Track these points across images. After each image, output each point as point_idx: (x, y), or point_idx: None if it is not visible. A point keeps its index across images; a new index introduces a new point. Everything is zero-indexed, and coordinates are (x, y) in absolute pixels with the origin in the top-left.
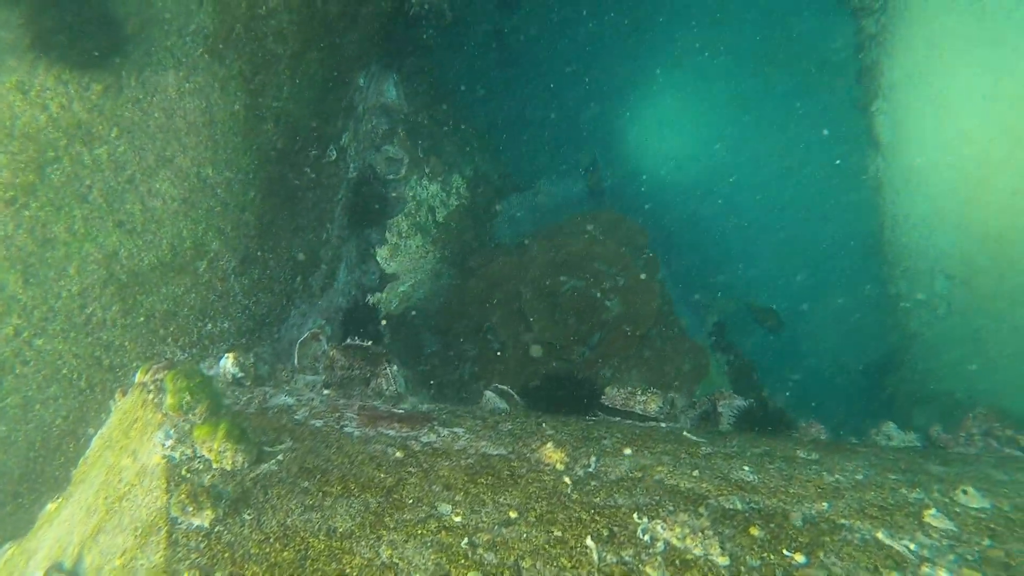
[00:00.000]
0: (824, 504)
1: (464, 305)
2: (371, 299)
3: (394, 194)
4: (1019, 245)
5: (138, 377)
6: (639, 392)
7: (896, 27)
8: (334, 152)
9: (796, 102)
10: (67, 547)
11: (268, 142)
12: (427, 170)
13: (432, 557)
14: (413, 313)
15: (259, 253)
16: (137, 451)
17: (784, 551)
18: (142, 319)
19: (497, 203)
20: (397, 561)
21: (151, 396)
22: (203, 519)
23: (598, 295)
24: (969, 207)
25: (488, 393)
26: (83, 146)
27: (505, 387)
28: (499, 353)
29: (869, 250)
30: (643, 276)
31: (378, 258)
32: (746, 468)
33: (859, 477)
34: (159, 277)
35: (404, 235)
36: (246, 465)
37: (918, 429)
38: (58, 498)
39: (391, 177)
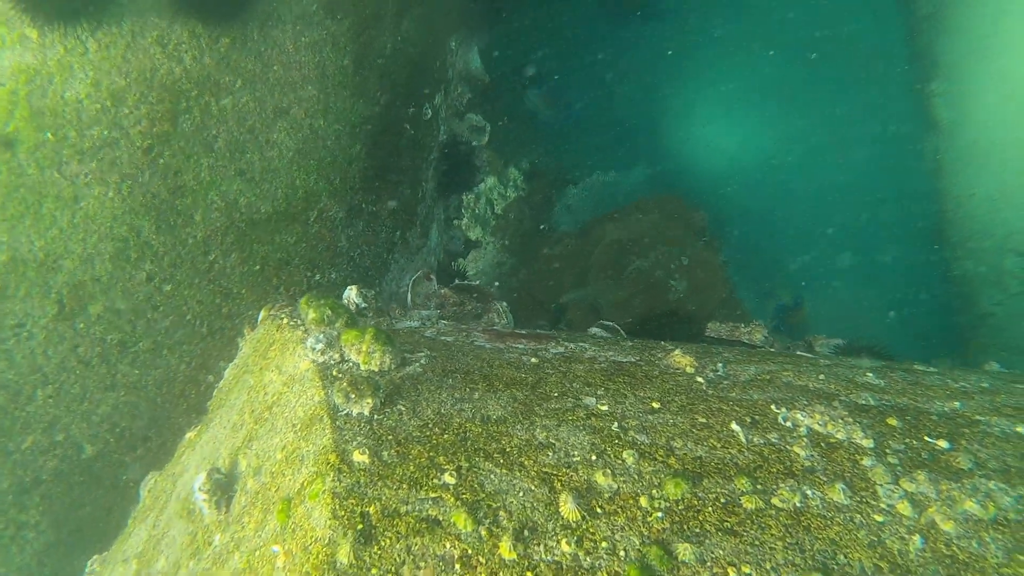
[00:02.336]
0: (956, 403)
1: (530, 289)
2: (456, 263)
3: (477, 162)
4: None
5: (263, 315)
6: (743, 324)
7: (954, 5)
8: (429, 111)
9: (848, 89)
10: (217, 460)
11: (373, 97)
12: (488, 165)
13: (586, 438)
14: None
15: (363, 205)
16: (281, 365)
17: (926, 437)
18: (258, 267)
19: (554, 194)
20: (554, 441)
21: (285, 321)
22: (364, 407)
23: (663, 275)
24: None
25: (594, 329)
26: (211, 96)
27: (611, 323)
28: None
29: (931, 231)
30: (708, 254)
31: (461, 226)
32: (870, 375)
33: (985, 385)
34: (273, 226)
35: (465, 228)
36: (393, 367)
37: None
38: (197, 427)
39: (475, 144)
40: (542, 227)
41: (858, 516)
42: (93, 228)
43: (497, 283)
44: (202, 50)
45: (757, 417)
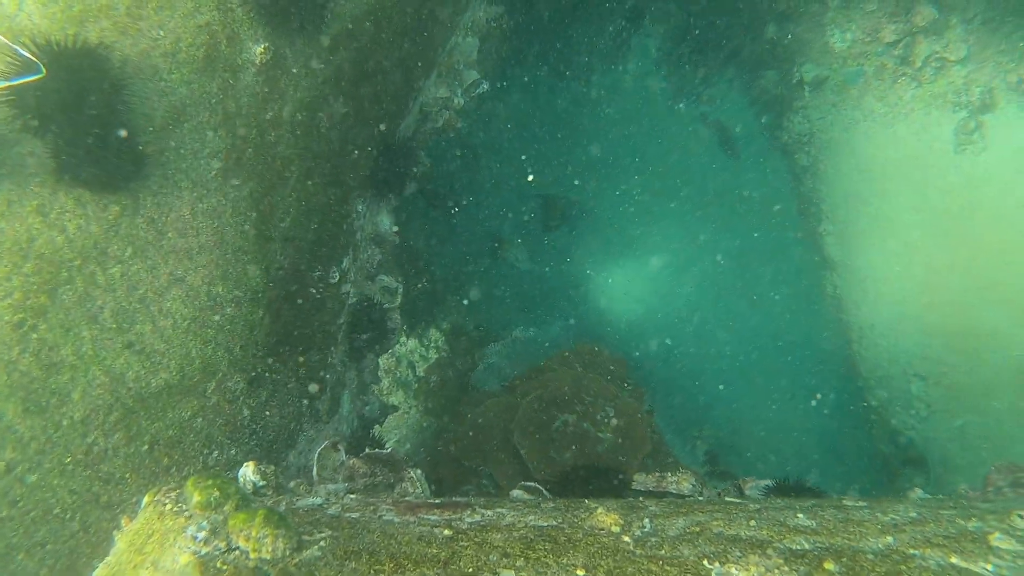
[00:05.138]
0: (888, 538)
1: (455, 452)
2: (374, 431)
3: (390, 324)
4: (980, 339)
5: (146, 500)
6: (670, 474)
7: (826, 157)
8: (336, 274)
9: (749, 238)
10: None
11: (276, 261)
12: (404, 326)
13: None
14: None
15: (267, 374)
16: (158, 560)
17: None
18: (146, 447)
19: (476, 353)
20: None
21: (168, 507)
22: None
23: (590, 428)
24: (927, 310)
25: (515, 492)
26: (97, 266)
27: (532, 483)
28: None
29: (841, 365)
30: (633, 404)
31: (377, 392)
32: (800, 516)
33: (913, 515)
34: (166, 400)
35: (386, 392)
36: (287, 552)
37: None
38: None
39: (387, 306)
40: (469, 387)
41: None
42: None
43: (422, 449)
44: (88, 218)
45: (690, 575)
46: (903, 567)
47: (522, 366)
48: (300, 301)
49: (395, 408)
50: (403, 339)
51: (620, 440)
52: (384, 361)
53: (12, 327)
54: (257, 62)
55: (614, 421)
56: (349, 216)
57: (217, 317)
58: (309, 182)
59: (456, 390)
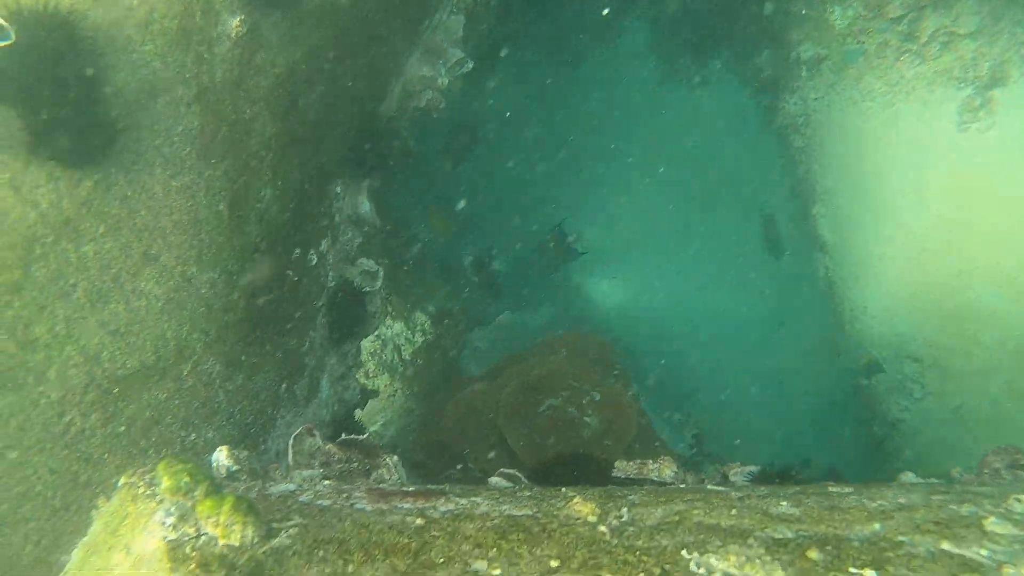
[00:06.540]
0: (876, 525)
1: (440, 436)
2: (357, 415)
3: (371, 307)
4: (976, 322)
5: (122, 481)
6: (651, 461)
7: (821, 139)
8: (315, 257)
9: (738, 221)
10: None
11: (251, 243)
12: (390, 309)
13: None
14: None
15: (243, 357)
16: (130, 544)
17: (851, 568)
18: (123, 428)
19: (463, 337)
20: None
21: (141, 490)
22: None
23: (576, 412)
24: (921, 292)
25: (493, 479)
26: (70, 243)
27: (511, 471)
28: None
29: (832, 347)
30: (618, 389)
31: (359, 376)
32: (784, 503)
33: (902, 501)
34: (142, 382)
35: (371, 375)
36: (256, 539)
37: (939, 476)
38: None
39: (367, 289)
40: (454, 371)
41: None
42: None
43: (408, 433)
44: (60, 194)
45: (668, 566)
46: (890, 554)
47: (509, 350)
48: (278, 284)
49: (376, 393)
50: (389, 321)
51: (606, 424)
52: (369, 344)
53: None
54: (232, 35)
55: (600, 406)
56: (327, 197)
57: (192, 299)
58: (286, 161)
59: (442, 374)
